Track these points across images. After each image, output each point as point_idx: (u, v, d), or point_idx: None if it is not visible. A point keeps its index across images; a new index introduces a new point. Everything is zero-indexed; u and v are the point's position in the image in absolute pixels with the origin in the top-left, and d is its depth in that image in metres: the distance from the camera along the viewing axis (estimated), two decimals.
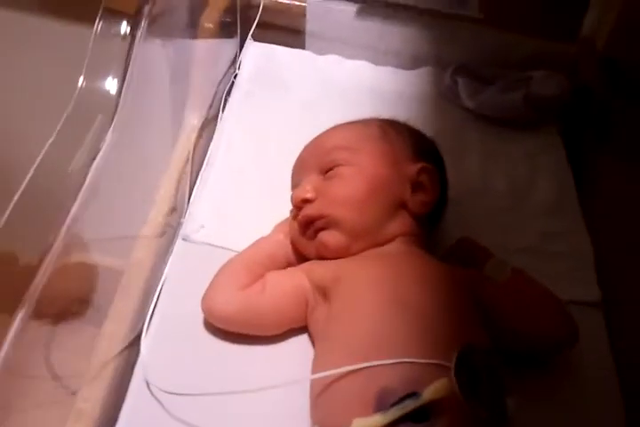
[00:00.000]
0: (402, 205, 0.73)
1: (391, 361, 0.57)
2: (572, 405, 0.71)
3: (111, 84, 0.59)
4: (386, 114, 0.96)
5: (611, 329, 0.79)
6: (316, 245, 0.72)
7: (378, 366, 0.57)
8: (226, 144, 0.90)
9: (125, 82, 0.59)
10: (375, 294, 0.64)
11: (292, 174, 0.80)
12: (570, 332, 0.70)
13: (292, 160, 0.88)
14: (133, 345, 0.70)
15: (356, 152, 0.74)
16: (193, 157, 0.86)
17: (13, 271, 0.52)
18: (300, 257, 0.76)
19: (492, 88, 1.03)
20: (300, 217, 0.73)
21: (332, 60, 1.08)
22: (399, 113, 0.96)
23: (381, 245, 0.72)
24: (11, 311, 0.50)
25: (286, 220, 0.80)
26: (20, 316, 0.51)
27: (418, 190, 0.74)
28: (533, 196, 0.94)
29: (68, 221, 0.55)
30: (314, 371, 0.65)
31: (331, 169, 0.74)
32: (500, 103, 1.01)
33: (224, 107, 0.95)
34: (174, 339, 0.71)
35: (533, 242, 0.88)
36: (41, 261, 0.53)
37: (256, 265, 0.73)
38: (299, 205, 0.73)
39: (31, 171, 0.53)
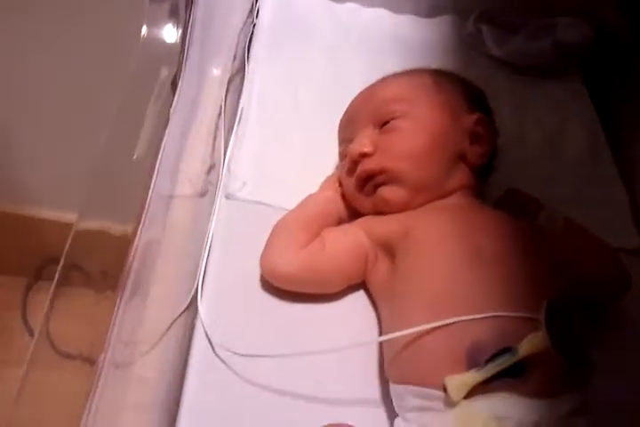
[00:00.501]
0: (460, 158, 0.71)
1: (481, 315, 0.56)
2: (622, 359, 0.71)
3: (172, 36, 0.55)
4: (411, 63, 0.94)
5: None
6: (375, 200, 0.70)
7: (466, 320, 0.56)
8: (257, 97, 0.86)
9: (188, 33, 0.54)
10: (451, 248, 0.62)
11: (341, 127, 0.77)
12: (625, 278, 0.70)
13: (326, 112, 0.85)
14: (188, 309, 0.67)
15: (413, 104, 0.71)
16: (225, 111, 0.81)
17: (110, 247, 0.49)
18: (353, 213, 0.74)
19: (519, 36, 1.00)
20: (359, 172, 0.70)
21: (350, 8, 1.04)
22: (424, 62, 0.94)
23: (441, 198, 0.70)
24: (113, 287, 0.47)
25: (333, 175, 0.77)
26: (127, 292, 0.48)
27: (474, 142, 0.72)
28: (566, 145, 0.93)
29: (150, 191, 0.51)
30: (386, 329, 0.63)
31: (387, 122, 0.71)
32: (528, 51, 0.99)
33: (248, 58, 0.91)
34: (231, 300, 0.68)
35: (570, 191, 0.87)
36: (134, 234, 0.49)
37: (311, 223, 0.70)
38: (357, 159, 0.70)
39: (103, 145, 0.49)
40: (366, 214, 0.72)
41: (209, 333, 0.64)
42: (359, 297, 0.71)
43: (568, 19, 1.02)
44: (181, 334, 0.66)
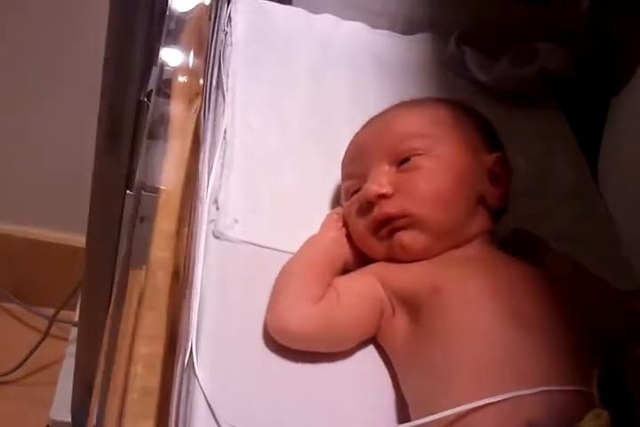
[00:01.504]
0: (480, 200, 0.66)
1: (537, 390, 0.50)
2: None
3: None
4: (394, 85, 0.91)
5: None
6: (391, 246, 0.63)
7: (520, 396, 0.50)
8: (240, 119, 0.76)
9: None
10: (492, 309, 0.56)
11: (348, 161, 0.69)
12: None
13: (314, 137, 0.79)
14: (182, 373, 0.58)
15: (434, 140, 0.64)
16: (204, 133, 0.72)
17: None
18: (360, 257, 0.66)
19: (502, 62, 0.96)
20: (376, 215, 0.63)
21: (327, 20, 0.97)
22: (407, 83, 0.92)
23: (460, 245, 0.64)
24: None
25: (335, 213, 0.69)
26: None
27: (493, 183, 0.67)
28: (553, 177, 0.90)
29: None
30: (420, 400, 0.56)
31: (406, 159, 0.64)
32: (514, 78, 0.95)
33: (225, 72, 0.81)
34: (233, 362, 0.58)
35: (562, 227, 0.84)
36: None
37: (321, 271, 0.62)
38: (373, 200, 0.63)
39: None
40: (376, 260, 0.65)
41: (212, 405, 0.54)
42: (370, 353, 0.63)
43: (549, 45, 0.99)
44: (174, 403, 0.56)
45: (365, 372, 0.62)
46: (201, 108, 0.53)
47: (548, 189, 0.88)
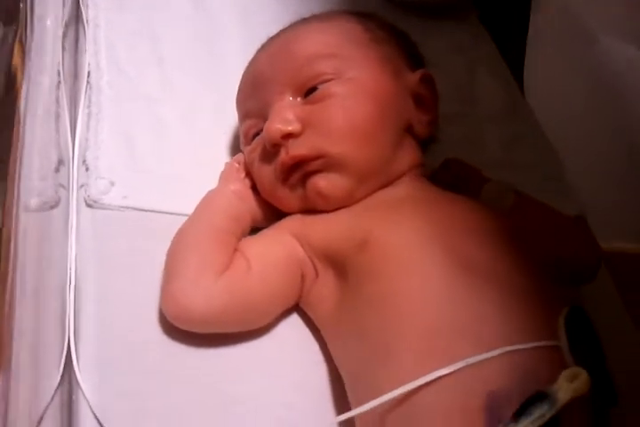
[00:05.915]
0: (407, 129, 0.55)
1: (497, 352, 0.41)
2: None
3: None
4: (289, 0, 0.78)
5: None
6: (306, 194, 0.52)
7: (476, 363, 0.41)
8: (106, 58, 0.63)
9: None
10: (434, 261, 0.46)
11: (243, 97, 0.57)
12: (595, 250, 0.58)
13: (205, 75, 0.66)
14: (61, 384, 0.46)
15: (345, 61, 0.53)
16: (64, 79, 0.58)
17: None
18: (270, 212, 0.55)
19: None
20: (284, 158, 0.51)
21: None
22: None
23: (388, 185, 0.54)
24: None
25: (234, 162, 0.58)
26: None
27: (419, 107, 0.56)
28: (480, 98, 0.80)
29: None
30: (356, 376, 0.46)
31: (313, 87, 0.53)
32: None
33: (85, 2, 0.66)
34: (122, 360, 0.48)
35: (497, 153, 0.75)
36: None
37: (225, 233, 0.51)
38: (278, 142, 0.51)
39: None
40: (290, 213, 0.55)
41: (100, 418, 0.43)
42: (292, 324, 0.53)
43: None
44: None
45: (290, 348, 0.52)
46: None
47: (475, 111, 0.78)
